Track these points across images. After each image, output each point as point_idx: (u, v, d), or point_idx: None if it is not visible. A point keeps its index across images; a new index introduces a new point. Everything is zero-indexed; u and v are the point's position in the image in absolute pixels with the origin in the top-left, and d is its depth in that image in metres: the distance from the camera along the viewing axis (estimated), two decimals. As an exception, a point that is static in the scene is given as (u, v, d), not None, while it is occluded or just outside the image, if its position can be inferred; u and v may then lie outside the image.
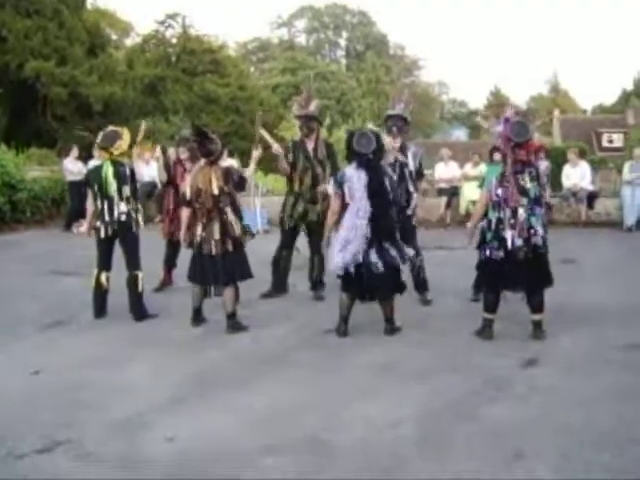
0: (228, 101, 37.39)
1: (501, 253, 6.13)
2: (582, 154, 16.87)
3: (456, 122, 70.41)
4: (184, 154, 8.32)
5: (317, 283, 8.02)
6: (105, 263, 7.27)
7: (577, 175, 14.79)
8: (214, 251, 6.63)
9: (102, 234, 7.18)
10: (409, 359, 5.86)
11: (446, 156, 16.32)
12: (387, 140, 6.97)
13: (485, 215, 6.29)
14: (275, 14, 70.48)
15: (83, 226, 15.18)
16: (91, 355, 6.10)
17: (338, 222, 6.61)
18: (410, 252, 6.62)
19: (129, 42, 48.25)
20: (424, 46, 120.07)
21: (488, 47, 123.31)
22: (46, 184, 16.67)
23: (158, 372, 5.65)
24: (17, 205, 15.67)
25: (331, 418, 4.65)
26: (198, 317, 7.01)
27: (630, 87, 59.08)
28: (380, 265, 6.32)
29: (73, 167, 15.66)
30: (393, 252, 6.40)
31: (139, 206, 7.44)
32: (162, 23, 40.58)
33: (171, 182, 8.52)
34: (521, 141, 6.06)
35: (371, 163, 6.35)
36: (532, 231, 6.11)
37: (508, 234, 6.08)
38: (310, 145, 7.89)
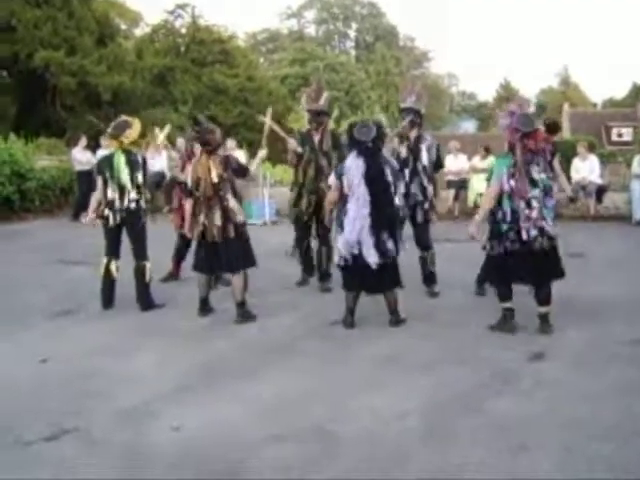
0: (237, 92, 37.41)
1: (517, 245, 6.13)
2: (591, 148, 16.81)
3: (465, 114, 70.19)
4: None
5: (324, 274, 8.03)
6: (114, 251, 7.30)
7: (586, 169, 14.73)
8: (216, 238, 6.66)
9: (111, 222, 7.20)
10: (416, 351, 5.87)
11: (454, 149, 16.28)
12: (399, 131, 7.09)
13: (496, 207, 6.26)
14: (285, 5, 70.45)
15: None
16: (99, 344, 6.13)
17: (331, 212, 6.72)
18: (405, 245, 6.65)
19: (138, 32, 48.24)
20: (434, 38, 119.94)
21: (498, 39, 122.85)
22: (55, 173, 16.71)
23: (165, 361, 5.67)
24: (26, 194, 15.71)
25: (337, 409, 4.66)
26: (205, 307, 7.04)
27: (641, 81, 58.75)
28: (377, 259, 6.33)
29: (82, 157, 15.69)
30: (390, 244, 6.40)
31: (148, 195, 7.48)
32: (171, 13, 40.61)
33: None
34: (528, 131, 6.08)
35: (369, 151, 6.36)
36: (544, 222, 6.12)
37: (524, 225, 6.08)
38: (316, 137, 7.89)
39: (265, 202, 14.56)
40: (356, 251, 6.36)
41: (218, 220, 6.66)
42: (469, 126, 61.41)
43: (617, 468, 3.80)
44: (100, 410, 4.66)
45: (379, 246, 6.34)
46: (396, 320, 6.56)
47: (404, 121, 7.51)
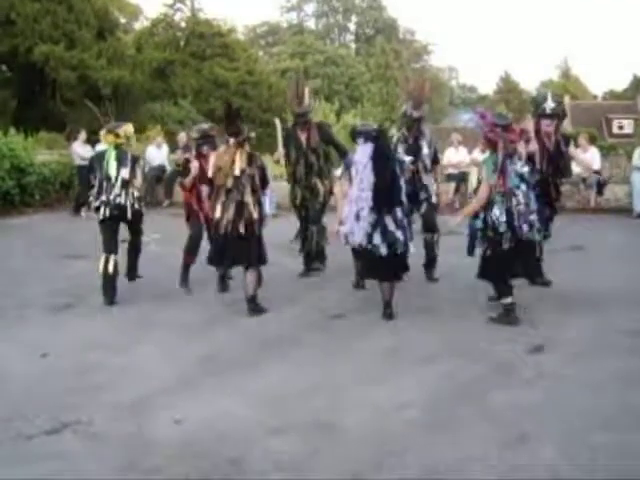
0: (237, 85, 37.36)
1: (513, 242, 6.16)
2: (592, 140, 16.78)
3: (465, 107, 70.05)
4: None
5: (308, 257, 8.29)
6: (111, 247, 7.30)
7: (587, 161, 14.70)
8: (227, 231, 6.73)
9: (100, 215, 7.32)
10: (416, 344, 5.88)
11: (456, 141, 16.24)
12: None
13: (487, 212, 6.27)
14: (284, -2, 70.09)
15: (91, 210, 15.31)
16: (100, 337, 6.14)
17: None
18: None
19: (138, 26, 48.18)
20: (434, 31, 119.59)
21: (498, 32, 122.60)
22: (55, 168, 16.69)
23: (166, 354, 5.68)
24: (26, 188, 15.68)
25: (338, 401, 4.67)
26: (224, 281, 7.50)
27: (642, 73, 58.61)
28: (384, 248, 6.36)
29: (82, 151, 15.67)
30: (400, 236, 6.41)
31: (137, 193, 7.52)
32: (171, 6, 40.51)
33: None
34: (507, 123, 6.27)
35: (376, 137, 6.52)
36: (532, 215, 6.19)
37: (517, 223, 6.11)
38: (303, 135, 8.08)
39: (266, 196, 14.52)
40: (365, 242, 6.44)
41: (231, 214, 6.70)
42: (469, 118, 61.25)
43: (618, 458, 3.81)
44: (101, 403, 4.67)
45: (387, 236, 6.36)
46: (390, 313, 6.56)
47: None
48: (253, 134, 7.45)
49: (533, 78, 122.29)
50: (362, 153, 6.43)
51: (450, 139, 16.56)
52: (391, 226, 6.41)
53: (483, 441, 4.04)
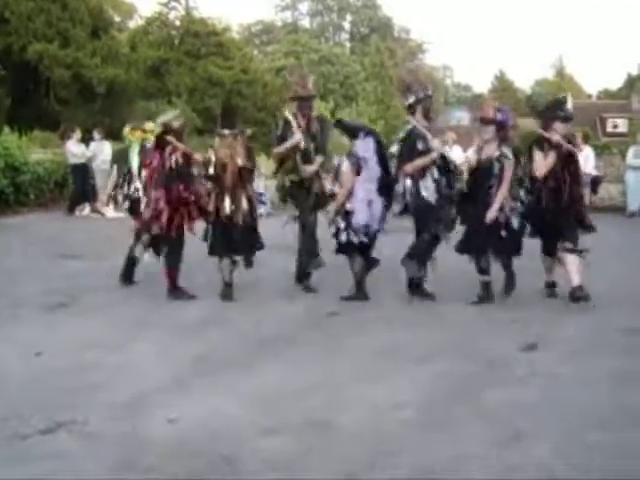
0: (231, 84, 37.31)
1: None
2: (585, 139, 16.82)
3: (460, 106, 70.06)
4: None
5: (303, 275, 7.82)
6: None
7: (581, 160, 14.72)
8: (240, 220, 6.98)
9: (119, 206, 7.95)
10: (411, 342, 5.88)
11: (451, 140, 16.23)
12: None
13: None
14: (279, -3, 69.98)
15: (86, 209, 15.30)
16: (94, 337, 6.13)
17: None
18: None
19: (132, 24, 48.07)
20: (429, 29, 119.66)
21: (493, 31, 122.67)
22: (49, 167, 16.67)
23: (161, 354, 5.67)
24: (20, 188, 15.66)
25: (333, 400, 4.67)
26: (230, 290, 7.25)
27: (635, 72, 58.68)
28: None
29: (76, 150, 15.67)
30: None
31: None
32: (166, 5, 40.44)
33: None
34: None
35: (374, 132, 6.97)
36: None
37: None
38: (303, 121, 7.66)
39: (261, 194, 14.51)
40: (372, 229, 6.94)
41: (245, 204, 7.01)
42: (462, 116, 61.32)
43: (613, 457, 3.82)
44: (96, 402, 4.65)
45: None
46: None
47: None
48: (249, 131, 7.56)
49: (528, 77, 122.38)
50: (365, 147, 6.65)
51: (445, 138, 16.55)
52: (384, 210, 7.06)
53: (478, 440, 4.04)
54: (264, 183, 14.84)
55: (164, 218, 6.88)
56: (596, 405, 4.51)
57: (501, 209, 6.74)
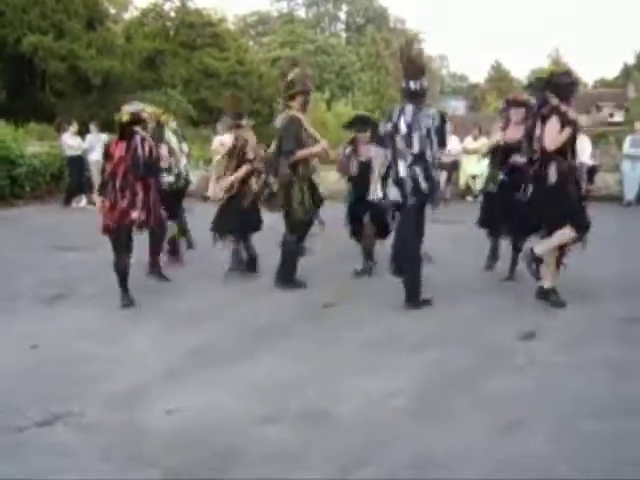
0: (227, 75, 37.24)
1: None
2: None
3: (455, 96, 70.04)
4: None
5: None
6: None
7: (577, 149, 14.71)
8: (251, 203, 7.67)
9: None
10: (407, 332, 5.88)
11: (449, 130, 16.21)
12: None
13: None
14: (275, -13, 69.68)
15: (82, 201, 15.28)
16: (91, 328, 6.12)
17: None
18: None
19: (127, 16, 47.88)
20: (425, 19, 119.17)
21: (489, 21, 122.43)
22: (45, 159, 16.64)
23: (157, 345, 5.67)
24: (16, 180, 15.64)
25: (329, 390, 4.67)
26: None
27: (632, 61, 58.66)
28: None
29: (72, 142, 15.63)
30: None
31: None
32: (160, -4, 40.29)
33: None
34: None
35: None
36: None
37: None
38: (303, 117, 7.37)
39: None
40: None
41: (257, 188, 7.61)
42: (458, 105, 61.42)
43: (609, 446, 3.82)
44: (93, 394, 4.66)
45: None
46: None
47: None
48: (252, 122, 7.75)
49: (524, 67, 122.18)
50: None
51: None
52: None
53: (474, 429, 4.05)
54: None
55: (139, 206, 6.74)
56: (593, 394, 4.51)
57: None
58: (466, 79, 79.14)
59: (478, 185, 15.58)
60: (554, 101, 6.50)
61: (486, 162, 8.12)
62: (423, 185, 6.38)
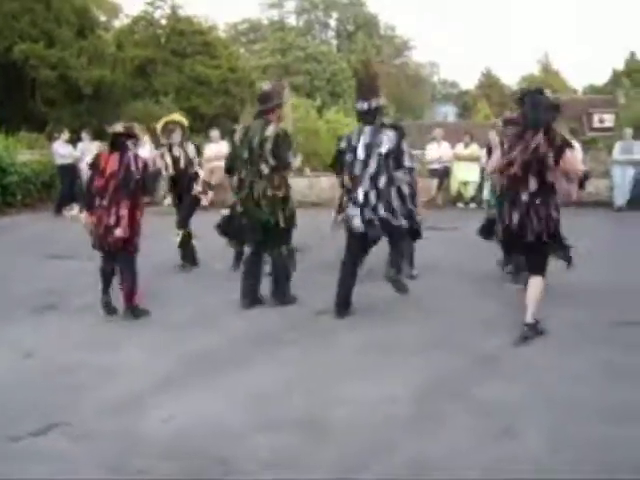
0: (219, 83, 37.19)
1: None
2: (573, 134, 16.88)
3: (445, 102, 70.23)
4: None
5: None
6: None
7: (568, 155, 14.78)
8: None
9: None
10: (401, 339, 5.90)
11: (439, 136, 16.27)
12: None
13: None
14: (265, -5, 69.73)
15: (74, 210, 15.26)
16: (84, 337, 6.12)
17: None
18: None
19: (118, 24, 47.85)
20: (415, 26, 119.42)
21: (479, 27, 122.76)
22: (36, 167, 16.61)
23: (152, 353, 5.67)
24: (7, 189, 15.61)
25: (323, 397, 4.68)
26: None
27: (621, 67, 58.95)
28: None
29: (64, 150, 15.61)
30: None
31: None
32: (151, 4, 40.28)
33: None
34: None
35: None
36: None
37: None
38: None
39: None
40: None
41: None
42: (448, 110, 61.66)
43: (603, 451, 3.85)
44: (88, 403, 4.65)
45: None
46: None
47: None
48: None
49: (514, 73, 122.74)
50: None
51: (432, 134, 16.61)
52: None
53: (469, 435, 4.07)
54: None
55: (124, 224, 6.57)
56: (587, 399, 4.53)
57: None
58: (457, 86, 79.35)
59: (470, 192, 15.67)
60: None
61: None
62: (381, 212, 6.38)
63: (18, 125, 22.01)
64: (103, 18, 44.35)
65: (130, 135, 6.77)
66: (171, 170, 8.68)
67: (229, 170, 7.07)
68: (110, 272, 6.85)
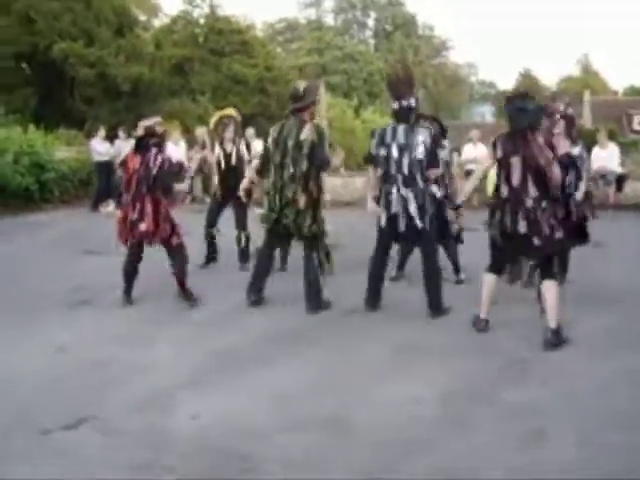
0: (255, 82, 37.30)
1: None
2: (611, 136, 16.67)
3: (483, 103, 69.74)
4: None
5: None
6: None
7: (606, 157, 14.62)
8: None
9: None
10: (430, 340, 5.87)
11: (476, 137, 16.16)
12: None
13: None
14: (303, -6, 69.77)
15: (110, 206, 15.41)
16: (115, 334, 6.17)
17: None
18: None
19: (157, 23, 48.25)
20: (453, 26, 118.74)
21: (518, 28, 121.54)
22: (73, 164, 16.82)
23: (180, 351, 5.70)
24: (45, 185, 15.81)
25: (350, 397, 4.67)
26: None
27: (663, 68, 58.04)
28: None
29: (101, 148, 15.79)
30: None
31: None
32: (190, 3, 40.55)
33: None
34: None
35: None
36: None
37: None
38: None
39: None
40: None
41: None
42: (485, 110, 61.23)
43: (635, 459, 3.78)
44: (118, 399, 4.69)
45: None
46: None
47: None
48: None
49: (553, 74, 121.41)
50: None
51: (469, 135, 16.51)
52: None
53: (497, 439, 4.03)
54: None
55: (148, 220, 6.84)
56: (618, 406, 4.47)
57: None
58: (494, 86, 78.73)
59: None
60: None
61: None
62: (412, 210, 6.43)
63: (57, 122, 22.31)
64: (143, 17, 44.75)
65: (153, 134, 6.98)
66: (223, 165, 8.72)
67: (260, 171, 7.07)
68: (133, 273, 7.11)
